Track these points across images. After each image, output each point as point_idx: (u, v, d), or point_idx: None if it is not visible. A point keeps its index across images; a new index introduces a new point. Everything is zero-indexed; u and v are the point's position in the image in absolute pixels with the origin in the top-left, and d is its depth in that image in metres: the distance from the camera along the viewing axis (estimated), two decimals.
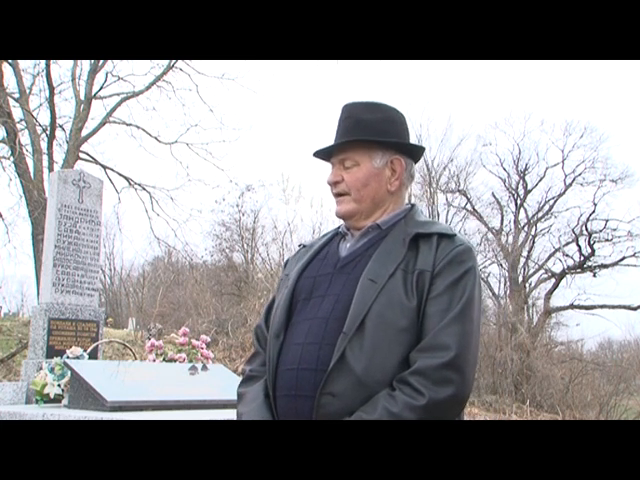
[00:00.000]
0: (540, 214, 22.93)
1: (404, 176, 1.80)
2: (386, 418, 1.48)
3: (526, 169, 23.04)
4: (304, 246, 1.92)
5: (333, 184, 1.79)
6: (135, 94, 15.83)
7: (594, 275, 21.52)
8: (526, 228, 22.96)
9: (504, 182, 23.15)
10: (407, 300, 1.59)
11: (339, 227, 1.87)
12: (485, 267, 21.13)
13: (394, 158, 1.77)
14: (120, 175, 15.74)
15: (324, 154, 1.83)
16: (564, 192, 22.59)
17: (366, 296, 1.60)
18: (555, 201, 22.81)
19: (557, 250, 22.13)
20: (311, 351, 1.62)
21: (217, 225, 17.23)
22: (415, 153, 1.85)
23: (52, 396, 4.49)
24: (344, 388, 1.55)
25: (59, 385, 4.50)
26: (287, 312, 1.73)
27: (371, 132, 1.75)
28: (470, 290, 1.62)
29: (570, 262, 21.90)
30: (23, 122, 14.15)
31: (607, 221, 21.45)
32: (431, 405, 1.49)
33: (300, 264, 1.81)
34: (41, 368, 4.79)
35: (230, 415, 3.68)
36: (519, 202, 23.08)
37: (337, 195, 1.79)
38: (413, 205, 1.84)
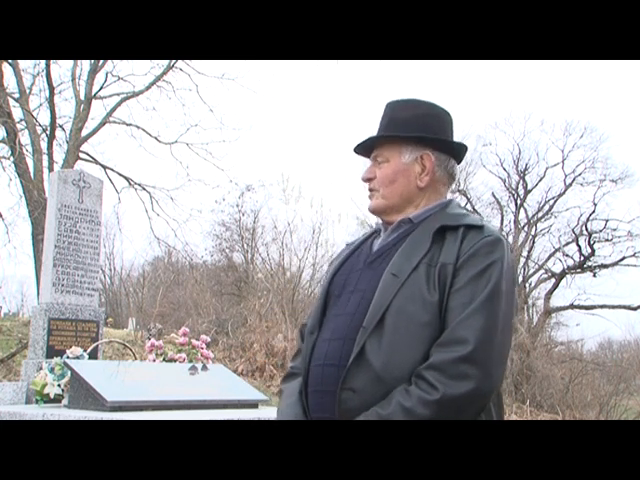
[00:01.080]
0: (540, 214, 22.92)
1: (436, 172, 1.76)
2: (399, 413, 1.47)
3: (526, 169, 23.03)
4: (347, 244, 1.96)
5: (366, 180, 1.82)
6: (135, 94, 15.82)
7: (594, 275, 21.51)
8: (526, 228, 22.95)
9: (504, 182, 23.15)
10: (429, 294, 1.56)
11: (378, 223, 1.89)
12: None
13: (424, 153, 1.75)
14: (120, 175, 15.74)
15: (364, 151, 1.86)
16: (564, 192, 22.58)
17: (387, 291, 1.60)
18: (555, 201, 22.80)
19: (557, 250, 22.12)
20: (336, 347, 1.63)
21: (217, 225, 17.23)
22: (452, 149, 1.80)
23: (52, 396, 4.49)
24: (364, 384, 1.54)
25: (59, 385, 4.50)
26: (322, 309, 1.75)
27: (402, 129, 1.76)
28: (495, 282, 1.56)
29: (570, 262, 21.90)
30: (23, 122, 14.14)
31: (607, 221, 21.44)
32: (446, 400, 1.46)
33: (337, 261, 1.85)
34: (41, 368, 4.79)
35: (230, 415, 3.69)
36: (519, 202, 23.06)
37: (369, 191, 1.82)
38: (451, 200, 1.80)
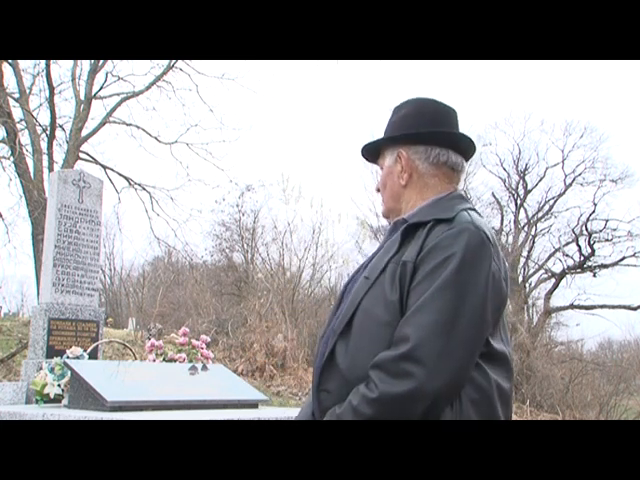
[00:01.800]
0: (540, 214, 22.93)
1: (418, 166, 1.74)
2: (349, 412, 1.48)
3: (526, 169, 23.05)
4: None
5: (377, 191, 1.87)
6: (135, 94, 15.82)
7: (594, 275, 21.51)
8: (526, 228, 22.96)
9: (504, 182, 23.17)
10: (390, 294, 1.55)
11: None
12: None
13: (398, 151, 1.76)
14: (120, 175, 15.74)
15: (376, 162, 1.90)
16: (564, 192, 22.60)
17: (358, 293, 1.62)
18: (555, 201, 22.82)
19: (557, 250, 22.13)
20: (321, 348, 1.67)
21: (217, 225, 17.23)
22: (428, 140, 1.74)
23: (52, 396, 4.48)
24: (334, 385, 1.58)
25: (59, 385, 4.50)
26: (333, 313, 1.76)
27: (386, 134, 1.81)
28: (448, 276, 1.48)
29: (570, 262, 21.91)
30: (23, 122, 14.14)
31: (607, 221, 21.45)
32: (385, 399, 1.44)
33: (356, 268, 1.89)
34: (41, 368, 4.79)
35: (230, 415, 3.68)
36: (519, 202, 23.07)
37: None
38: (450, 192, 1.73)
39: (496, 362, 1.57)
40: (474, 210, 1.69)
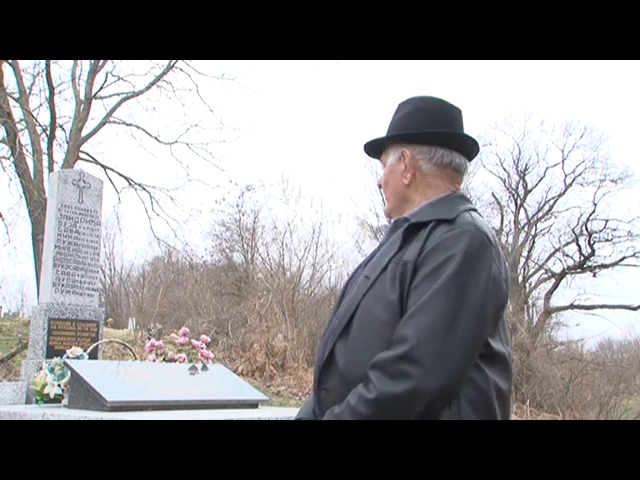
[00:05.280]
0: (540, 214, 22.93)
1: (421, 166, 1.73)
2: (347, 412, 1.49)
3: (526, 169, 23.04)
4: None
5: (380, 187, 1.87)
6: (135, 94, 15.81)
7: (594, 275, 21.51)
8: (526, 228, 22.95)
9: (504, 182, 23.17)
10: (390, 293, 1.55)
11: None
12: None
13: (402, 150, 1.76)
14: (120, 175, 15.74)
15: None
16: (564, 192, 22.59)
17: (358, 292, 1.63)
18: (555, 201, 22.82)
19: (557, 250, 22.14)
20: (321, 348, 1.68)
21: (217, 225, 17.23)
22: (433, 140, 1.73)
23: (52, 396, 4.48)
24: (333, 384, 1.59)
25: (59, 385, 4.50)
26: (334, 313, 1.76)
27: (389, 132, 1.81)
28: (447, 277, 1.49)
29: (570, 262, 21.91)
30: (23, 122, 14.13)
31: (607, 221, 21.46)
32: (383, 399, 1.44)
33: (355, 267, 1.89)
34: (41, 368, 4.79)
35: (230, 415, 3.68)
36: (519, 202, 23.07)
37: None
38: (453, 192, 1.73)
39: (495, 363, 1.56)
40: (475, 211, 1.68)
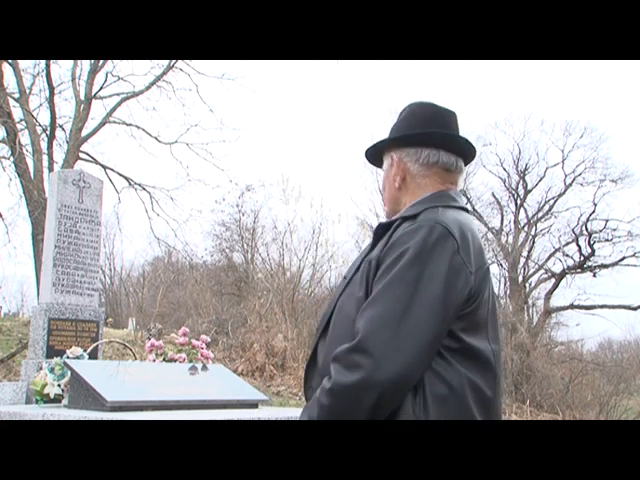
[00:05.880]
0: (540, 214, 22.93)
1: (409, 167, 1.77)
2: (314, 403, 1.55)
3: (526, 169, 23.04)
4: None
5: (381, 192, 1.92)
6: (135, 94, 15.81)
7: (594, 275, 21.50)
8: (526, 228, 22.95)
9: (504, 182, 23.16)
10: (358, 291, 1.61)
11: None
12: None
13: (391, 154, 1.82)
14: (120, 175, 15.74)
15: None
16: (564, 192, 22.59)
17: (337, 293, 1.72)
18: (555, 201, 22.81)
19: (557, 250, 22.13)
20: (312, 347, 1.76)
21: (217, 225, 17.23)
22: (417, 141, 1.75)
23: (52, 396, 4.48)
24: (317, 381, 1.63)
25: (59, 385, 4.50)
26: (329, 314, 1.77)
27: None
28: (399, 270, 1.51)
29: (570, 262, 21.90)
30: (23, 122, 14.13)
31: (607, 221, 21.44)
32: (337, 389, 1.49)
33: None
34: (41, 368, 4.79)
35: (230, 415, 3.68)
36: (519, 202, 23.07)
37: None
38: (439, 191, 1.74)
39: (469, 358, 1.55)
40: (460, 208, 1.69)
